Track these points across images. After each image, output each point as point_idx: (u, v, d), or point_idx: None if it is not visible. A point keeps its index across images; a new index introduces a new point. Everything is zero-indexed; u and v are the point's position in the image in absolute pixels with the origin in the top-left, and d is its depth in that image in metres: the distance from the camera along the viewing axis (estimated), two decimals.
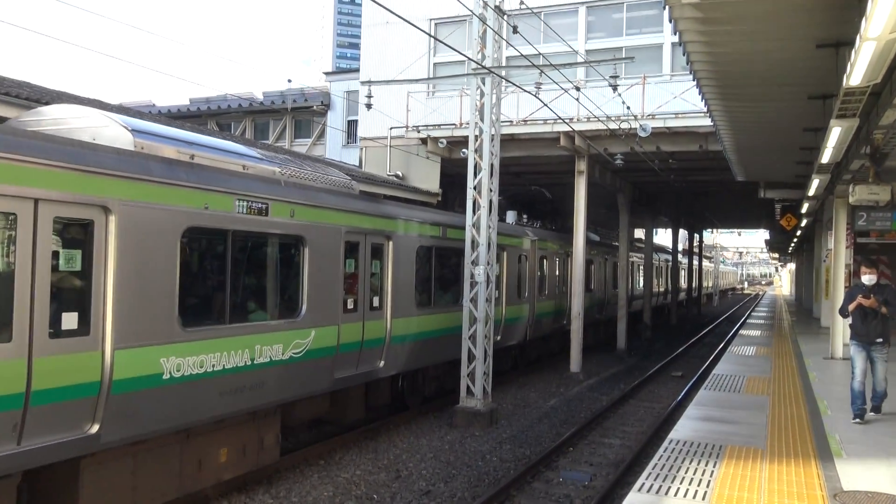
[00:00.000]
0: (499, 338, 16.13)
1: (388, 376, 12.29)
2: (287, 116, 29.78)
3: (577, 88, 16.62)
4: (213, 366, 8.04)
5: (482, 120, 12.58)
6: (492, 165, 12.70)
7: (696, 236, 46.69)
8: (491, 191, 12.80)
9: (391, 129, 20.37)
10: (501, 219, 20.05)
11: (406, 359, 12.37)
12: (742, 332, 21.45)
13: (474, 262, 12.52)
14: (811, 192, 13.26)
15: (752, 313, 34.68)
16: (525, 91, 13.72)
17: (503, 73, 12.55)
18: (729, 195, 28.80)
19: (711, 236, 62.79)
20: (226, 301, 8.40)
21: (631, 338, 27.42)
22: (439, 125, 19.36)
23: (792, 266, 61.67)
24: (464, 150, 18.70)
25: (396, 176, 20.54)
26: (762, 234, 54.25)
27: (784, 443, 7.44)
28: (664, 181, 23.99)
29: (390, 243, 11.71)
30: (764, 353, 15.25)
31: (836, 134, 8.07)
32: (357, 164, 22.25)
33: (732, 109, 10.53)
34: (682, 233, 45.80)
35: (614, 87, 13.41)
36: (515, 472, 10.01)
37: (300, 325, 9.55)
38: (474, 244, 12.57)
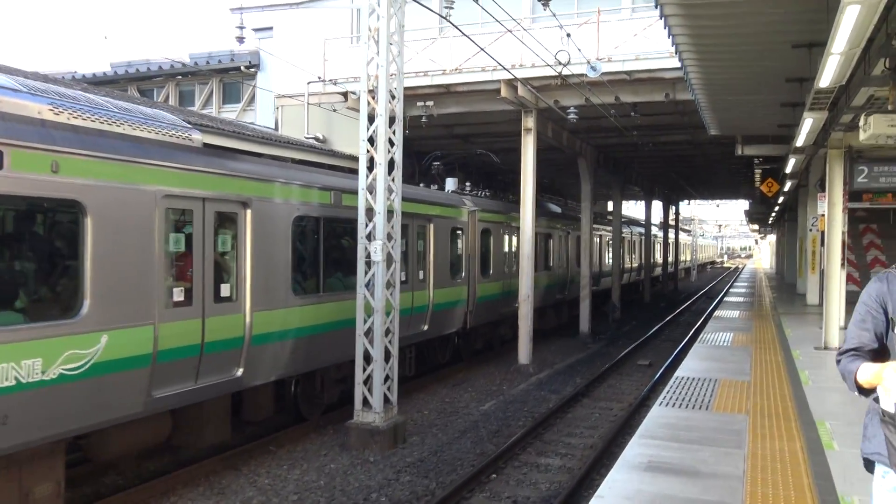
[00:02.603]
0: (426, 327, 13.69)
1: (266, 384, 9.50)
2: (214, 80, 26.59)
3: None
4: None
5: (377, 51, 9.65)
6: (392, 112, 9.79)
7: (673, 208, 44.08)
8: (393, 144, 9.91)
9: (309, 83, 17.34)
10: (440, 187, 17.44)
11: (287, 361, 9.57)
12: (718, 312, 18.78)
13: (370, 237, 9.65)
14: (799, 142, 10.49)
15: (731, 289, 32.12)
16: (442, 17, 10.79)
17: None
18: (704, 160, 26.08)
19: (689, 208, 60.32)
20: None
21: (598, 319, 24.86)
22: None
23: (772, 238, 59.41)
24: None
25: (316, 138, 17.56)
26: (742, 205, 51.75)
27: None
28: (631, 144, 21.20)
29: (248, 212, 8.79)
30: (742, 343, 12.54)
31: (844, 31, 5.24)
32: (274, 126, 19.25)
33: (704, 33, 7.71)
34: (658, 205, 43.23)
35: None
36: None
37: (79, 328, 6.65)
38: (370, 213, 9.69)
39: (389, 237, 9.85)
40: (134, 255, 7.20)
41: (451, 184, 17.45)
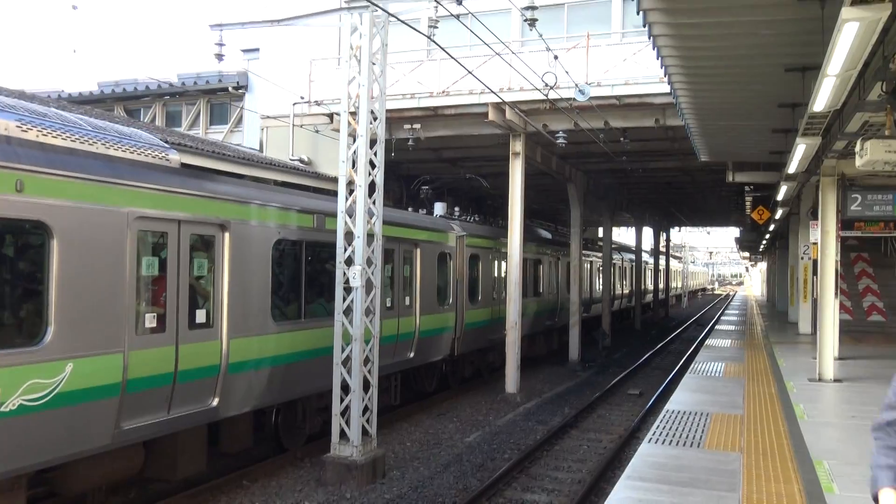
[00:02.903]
0: (412, 355, 13.30)
1: (245, 413, 9.12)
2: (201, 100, 26.38)
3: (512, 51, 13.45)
4: None
5: (359, 70, 9.39)
6: (374, 132, 9.51)
7: (663, 235, 43.95)
8: (374, 166, 9.61)
9: (294, 104, 17.09)
10: (429, 211, 17.11)
11: (266, 390, 9.20)
12: (710, 340, 18.47)
13: (349, 262, 9.31)
14: (792, 168, 10.26)
15: (722, 317, 31.84)
16: (428, 38, 10.57)
17: (388, 7, 9.36)
18: (695, 187, 25.95)
19: (679, 235, 60.28)
20: None
21: (588, 347, 24.50)
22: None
23: (763, 266, 59.37)
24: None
25: (301, 160, 17.28)
26: (733, 232, 51.74)
27: None
28: (621, 170, 21.05)
29: (226, 235, 8.48)
30: (734, 373, 12.21)
31: (841, 51, 5.00)
32: (259, 148, 18.98)
33: (695, 55, 7.49)
34: (648, 231, 43.11)
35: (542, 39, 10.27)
36: None
37: (43, 355, 6.28)
38: (349, 237, 9.36)
39: (370, 262, 9.52)
40: (103, 279, 6.87)
41: (439, 208, 17.15)
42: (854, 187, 10.72)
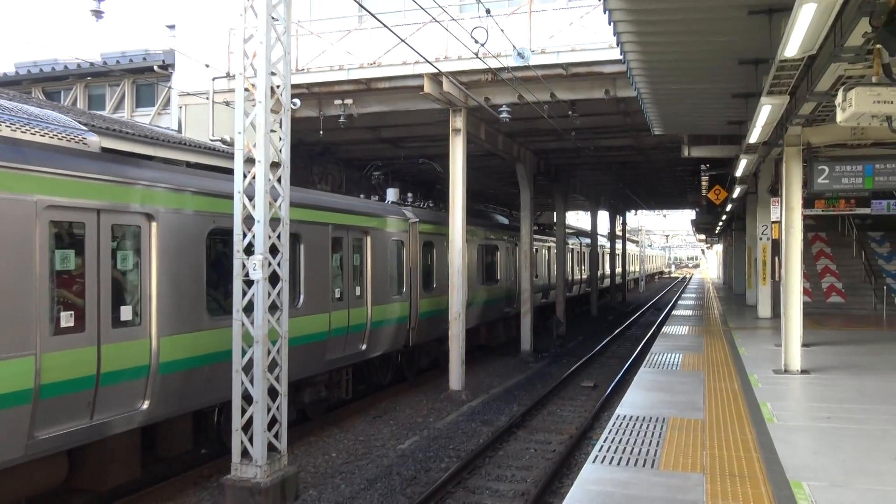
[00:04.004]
0: (364, 347, 12.64)
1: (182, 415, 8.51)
2: (126, 81, 24.51)
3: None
4: None
5: (256, 26, 7.97)
6: (275, 95, 8.12)
7: (620, 218, 43.20)
8: (280, 139, 8.24)
9: (214, 79, 15.52)
10: (381, 198, 16.03)
11: (204, 390, 8.53)
12: (666, 328, 17.49)
13: (248, 250, 7.92)
14: (754, 136, 9.17)
15: (679, 301, 31.08)
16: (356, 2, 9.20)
17: None
18: (649, 167, 25.01)
19: (636, 218, 59.84)
20: None
21: (542, 335, 23.47)
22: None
23: (719, 248, 59.27)
24: (295, 100, 14.12)
25: (223, 141, 15.72)
26: (689, 215, 51.32)
27: None
28: (573, 149, 19.91)
29: (153, 225, 7.76)
30: (693, 365, 11.15)
31: None
32: (178, 128, 17.37)
33: (647, 6, 6.33)
34: (604, 215, 42.32)
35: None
36: None
37: None
38: (249, 222, 7.97)
39: (275, 251, 8.14)
40: (8, 274, 6.21)
41: (391, 195, 16.20)
42: (821, 158, 9.68)
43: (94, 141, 7.68)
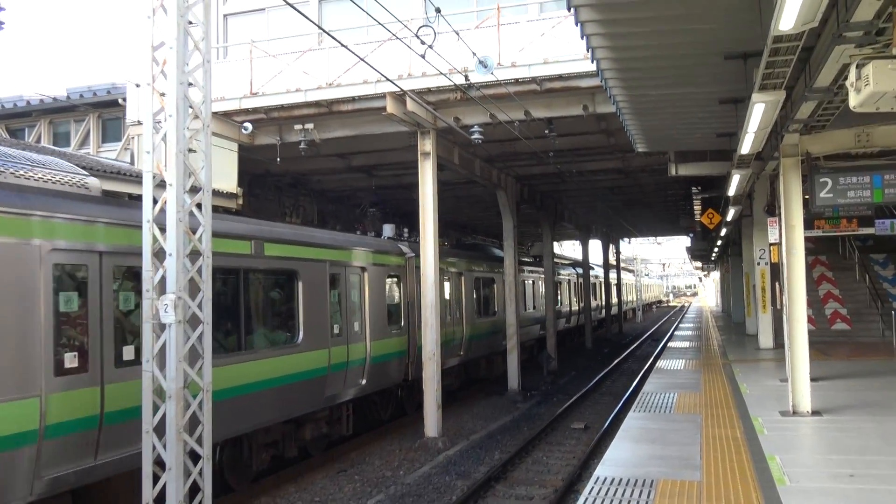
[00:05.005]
0: (363, 382, 12.60)
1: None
2: (91, 116, 23.55)
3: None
4: None
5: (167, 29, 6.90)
6: (187, 102, 7.04)
7: (613, 247, 42.11)
8: (203, 154, 7.14)
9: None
10: (377, 233, 15.98)
11: None
12: (661, 362, 16.25)
13: (158, 289, 6.75)
14: (745, 146, 8.08)
15: (676, 331, 29.80)
16: (307, 18, 8.18)
17: None
18: (639, 191, 24.02)
19: (630, 247, 58.76)
20: None
21: (532, 372, 22.21)
22: (223, 97, 13.55)
23: (716, 275, 58.14)
24: (245, 124, 13.11)
25: None
26: (684, 242, 50.23)
27: None
28: (556, 174, 18.89)
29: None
30: (689, 407, 9.91)
31: None
32: (130, 160, 16.30)
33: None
34: (596, 244, 41.28)
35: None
36: None
37: None
38: (160, 256, 6.81)
39: (196, 288, 6.98)
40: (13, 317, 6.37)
41: (388, 230, 15.92)
42: (822, 170, 8.58)
43: (95, 184, 7.91)
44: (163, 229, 6.83)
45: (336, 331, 11.68)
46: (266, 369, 9.70)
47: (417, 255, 14.67)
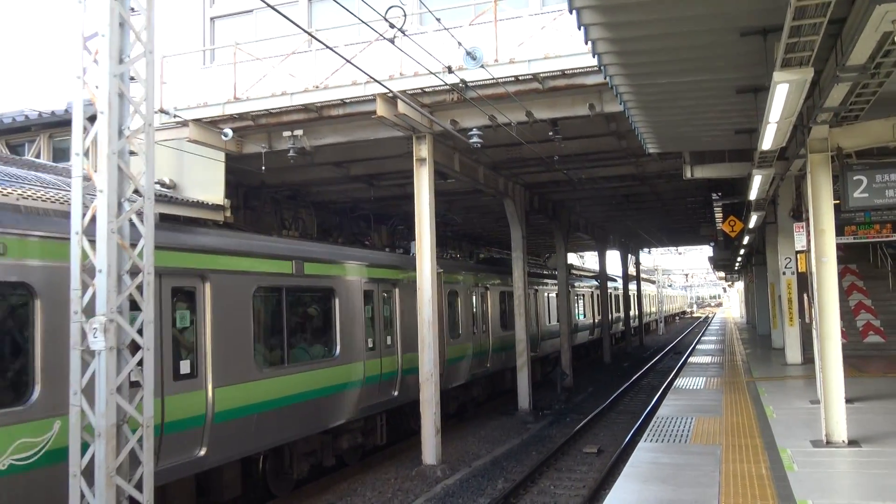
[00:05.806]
0: (396, 393, 13.24)
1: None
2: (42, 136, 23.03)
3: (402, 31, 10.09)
4: None
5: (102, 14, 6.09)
6: (124, 98, 6.21)
7: (632, 258, 40.89)
8: (148, 158, 6.30)
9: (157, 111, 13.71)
10: (405, 250, 15.87)
11: (251, 437, 9.34)
12: (680, 380, 15.14)
13: (87, 311, 5.89)
14: (768, 140, 7.08)
15: (699, 345, 28.52)
16: (290, 20, 7.35)
17: None
18: (656, 199, 22.94)
19: (650, 257, 57.35)
20: None
21: (549, 388, 21.20)
22: (206, 103, 12.78)
23: (740, 285, 56.53)
24: (225, 130, 12.35)
25: (162, 183, 13.89)
26: (706, 252, 48.77)
27: None
28: (567, 181, 17.92)
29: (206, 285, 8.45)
30: (707, 436, 8.84)
31: None
32: None
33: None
34: (615, 255, 40.19)
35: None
36: None
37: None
38: (91, 273, 5.96)
39: (134, 309, 6.12)
40: None
41: (415, 247, 14.68)
42: (856, 167, 7.55)
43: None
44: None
45: (370, 344, 12.35)
46: (307, 382, 10.38)
47: (445, 271, 15.32)
